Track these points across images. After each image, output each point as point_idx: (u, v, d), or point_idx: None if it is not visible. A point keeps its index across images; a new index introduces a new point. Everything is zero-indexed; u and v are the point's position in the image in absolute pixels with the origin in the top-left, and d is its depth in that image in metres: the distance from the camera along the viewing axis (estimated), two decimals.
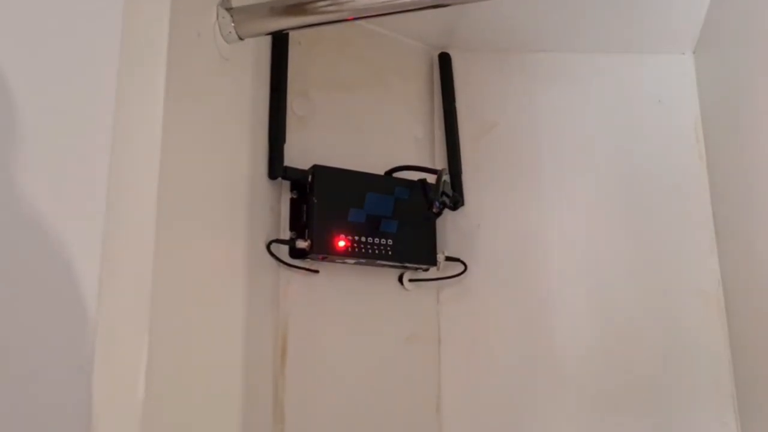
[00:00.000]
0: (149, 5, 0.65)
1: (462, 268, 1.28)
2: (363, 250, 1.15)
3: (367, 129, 1.30)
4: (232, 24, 0.94)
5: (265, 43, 1.16)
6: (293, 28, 1.03)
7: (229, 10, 0.93)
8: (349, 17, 0.93)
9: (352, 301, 1.20)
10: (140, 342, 0.60)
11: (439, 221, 1.28)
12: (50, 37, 0.56)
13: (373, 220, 1.18)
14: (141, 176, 0.61)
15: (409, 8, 0.91)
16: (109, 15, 0.56)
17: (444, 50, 1.42)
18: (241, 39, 0.95)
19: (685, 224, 1.30)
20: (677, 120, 1.35)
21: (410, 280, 1.26)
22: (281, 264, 1.12)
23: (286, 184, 1.16)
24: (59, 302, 0.52)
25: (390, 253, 1.18)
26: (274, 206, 1.14)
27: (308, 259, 1.15)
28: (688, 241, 1.29)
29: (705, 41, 1.32)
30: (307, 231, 1.12)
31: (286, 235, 1.14)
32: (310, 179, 1.14)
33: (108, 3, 0.57)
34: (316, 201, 1.12)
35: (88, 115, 0.54)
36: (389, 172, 1.26)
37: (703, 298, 1.26)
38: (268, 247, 1.08)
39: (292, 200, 1.16)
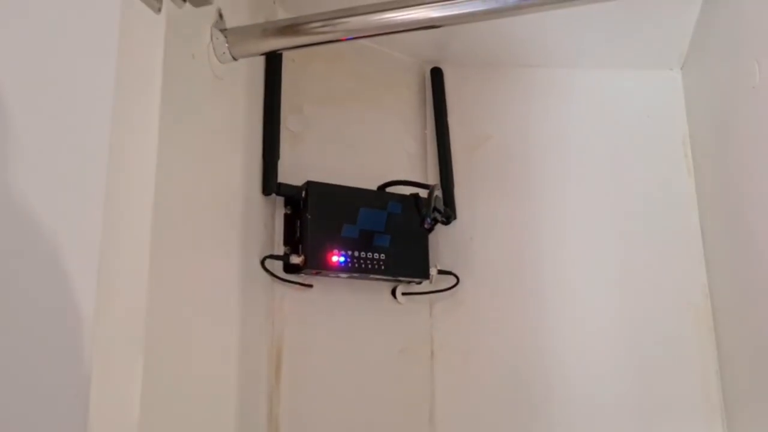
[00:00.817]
0: (144, 27, 0.66)
1: (455, 281, 1.30)
2: (356, 265, 1.17)
3: (359, 144, 1.32)
4: (226, 45, 0.95)
5: (259, 61, 1.18)
6: (286, 49, 1.05)
7: (223, 31, 0.95)
8: (342, 38, 0.95)
9: (346, 315, 1.22)
10: (136, 360, 0.61)
11: (431, 235, 1.29)
12: (45, 55, 0.57)
13: (366, 234, 1.19)
14: (136, 194, 0.62)
15: (401, 29, 0.92)
16: (105, 36, 0.57)
17: (436, 65, 1.44)
18: (235, 59, 0.97)
19: (673, 237, 1.31)
20: (666, 135, 1.37)
21: (403, 294, 1.28)
22: (275, 279, 1.13)
23: (280, 200, 1.18)
24: (55, 321, 0.53)
25: (383, 267, 1.19)
26: (268, 222, 1.15)
27: (302, 274, 1.16)
28: (677, 254, 1.31)
29: (693, 57, 1.34)
30: (301, 246, 1.13)
31: (280, 250, 1.15)
32: (303, 195, 1.15)
33: (104, 24, 0.58)
34: (309, 217, 1.14)
35: (84, 136, 0.56)
36: (382, 187, 1.27)
37: (691, 311, 1.27)
38: (262, 262, 1.09)
39: (286, 216, 1.18)
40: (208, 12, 0.93)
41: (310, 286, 1.17)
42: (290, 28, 0.95)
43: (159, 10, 0.64)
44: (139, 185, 0.60)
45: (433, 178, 1.37)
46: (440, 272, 1.28)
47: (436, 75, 1.43)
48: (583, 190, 1.36)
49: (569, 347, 1.28)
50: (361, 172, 1.27)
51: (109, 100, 0.54)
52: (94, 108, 0.56)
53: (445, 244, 1.33)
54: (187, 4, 0.70)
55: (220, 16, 0.96)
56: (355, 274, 1.18)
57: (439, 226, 1.30)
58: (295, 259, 1.12)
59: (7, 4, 0.56)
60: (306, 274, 1.16)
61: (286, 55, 1.23)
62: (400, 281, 1.26)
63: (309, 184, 1.16)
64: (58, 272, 0.52)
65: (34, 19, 0.56)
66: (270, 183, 1.13)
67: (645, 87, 1.40)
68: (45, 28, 0.57)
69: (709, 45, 1.27)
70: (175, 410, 0.77)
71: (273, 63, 1.19)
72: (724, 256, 1.23)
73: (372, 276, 1.20)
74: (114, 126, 0.56)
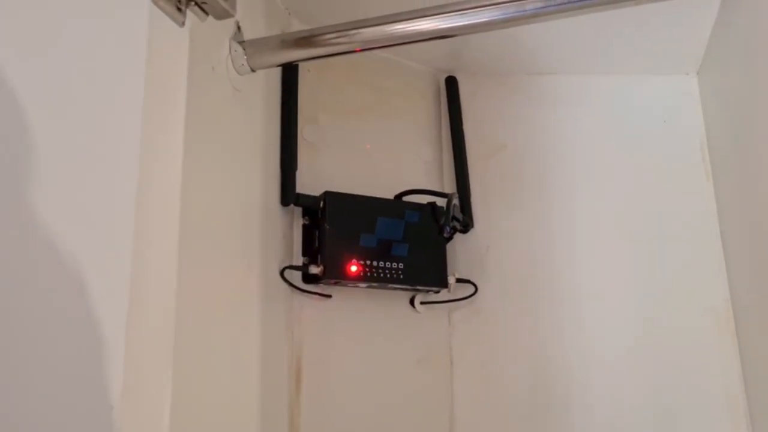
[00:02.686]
0: (169, 42, 0.67)
1: (473, 289, 1.29)
2: (375, 274, 1.17)
3: (376, 153, 1.32)
4: (245, 57, 0.96)
5: (275, 72, 1.18)
6: (303, 60, 1.05)
7: (241, 43, 0.96)
8: (357, 48, 0.95)
9: (365, 324, 1.22)
10: (165, 371, 0.61)
11: (449, 243, 1.29)
12: (77, 73, 0.58)
13: (384, 244, 1.19)
14: (164, 208, 0.62)
15: (415, 39, 0.93)
16: (134, 52, 0.58)
17: (451, 74, 1.44)
18: (253, 71, 0.98)
19: (692, 243, 1.31)
20: (683, 140, 1.36)
21: (422, 303, 1.27)
22: (294, 290, 1.13)
23: (299, 210, 1.18)
24: (87, 335, 0.53)
25: (401, 276, 1.19)
26: (286, 233, 1.15)
27: (321, 284, 1.16)
28: (696, 259, 1.30)
29: (709, 62, 1.34)
30: (319, 256, 1.14)
31: (298, 261, 1.16)
32: (321, 205, 1.16)
33: (132, 40, 0.59)
34: (328, 227, 1.14)
35: (114, 151, 0.56)
36: (399, 196, 1.27)
37: (712, 316, 1.26)
38: (281, 273, 1.10)
39: (304, 226, 1.18)
40: (227, 25, 0.93)
41: (329, 296, 1.17)
42: (307, 39, 0.95)
43: (183, 23, 0.65)
44: (167, 199, 0.61)
45: (449, 185, 1.37)
46: (458, 281, 1.28)
47: (451, 84, 1.43)
48: (599, 197, 1.35)
49: (588, 354, 1.28)
50: (378, 181, 1.28)
51: (138, 114, 0.54)
52: (124, 123, 0.57)
53: (462, 253, 1.33)
54: (210, 17, 0.70)
55: (238, 28, 0.97)
56: (374, 284, 1.18)
57: (456, 235, 1.30)
58: (314, 270, 1.12)
59: (40, 23, 0.57)
60: (325, 284, 1.16)
61: (301, 65, 1.23)
62: (418, 290, 1.26)
63: (327, 194, 1.16)
64: (90, 286, 0.53)
65: (67, 39, 0.57)
66: (288, 193, 1.14)
67: (661, 92, 1.39)
68: (76, 49, 0.58)
69: (726, 49, 1.26)
70: (201, 421, 0.77)
71: (289, 74, 1.20)
72: (745, 260, 1.22)
73: (390, 285, 1.20)
74: (142, 140, 0.56)
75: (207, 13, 0.70)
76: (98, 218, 0.53)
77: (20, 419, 0.53)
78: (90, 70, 0.56)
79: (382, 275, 1.17)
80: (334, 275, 1.13)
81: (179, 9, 0.63)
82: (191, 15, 0.68)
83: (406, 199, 1.27)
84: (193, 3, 0.67)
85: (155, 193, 0.57)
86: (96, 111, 0.55)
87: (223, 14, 0.71)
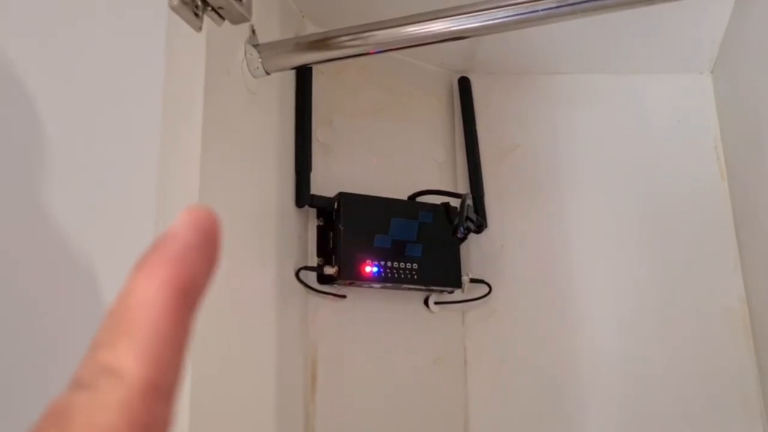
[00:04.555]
0: (186, 46, 0.68)
1: (487, 289, 1.30)
2: (389, 275, 1.17)
3: (389, 154, 1.33)
4: (260, 60, 0.97)
5: (290, 75, 1.19)
6: (317, 63, 1.06)
7: (256, 46, 0.97)
8: (371, 51, 0.96)
9: (380, 324, 1.22)
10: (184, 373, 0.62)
11: (462, 243, 1.29)
12: (95, 79, 0.59)
13: (399, 244, 1.20)
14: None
15: (429, 41, 0.93)
16: (152, 58, 0.59)
17: (464, 74, 1.45)
18: (267, 74, 0.99)
19: (708, 242, 1.30)
20: (697, 139, 1.36)
21: (436, 303, 1.28)
22: (310, 290, 1.14)
23: (313, 211, 1.19)
24: None
25: (416, 276, 1.20)
26: (301, 234, 1.16)
27: (336, 285, 1.17)
28: (712, 259, 1.29)
29: (723, 61, 1.33)
30: (334, 257, 1.14)
31: (313, 261, 1.16)
32: (336, 206, 1.16)
33: (152, 48, 0.60)
34: (342, 228, 1.15)
35: (134, 155, 0.57)
36: (412, 197, 1.28)
37: (728, 315, 1.26)
38: (297, 274, 1.11)
39: (318, 227, 1.19)
40: (242, 29, 0.94)
41: (344, 296, 1.18)
42: (321, 42, 0.96)
43: (200, 28, 0.66)
44: (185, 201, 0.62)
45: (463, 186, 1.37)
46: (472, 281, 1.28)
47: (464, 84, 1.44)
48: (613, 197, 1.35)
49: (603, 354, 1.27)
50: (391, 182, 1.28)
51: (158, 118, 0.55)
52: (144, 127, 0.58)
53: (476, 253, 1.34)
54: (226, 21, 0.71)
55: (253, 32, 0.98)
56: (388, 284, 1.19)
57: (470, 235, 1.30)
58: (329, 270, 1.13)
59: (59, 29, 0.58)
60: (339, 284, 1.17)
61: (315, 67, 1.24)
62: (432, 290, 1.27)
63: (341, 196, 1.17)
64: (106, 288, 0.53)
65: (86, 43, 0.58)
66: (303, 195, 1.15)
67: (675, 91, 1.39)
68: (96, 54, 0.59)
69: (740, 47, 1.26)
70: (220, 421, 0.78)
71: (303, 76, 1.21)
72: (760, 260, 1.22)
73: (405, 285, 1.21)
74: (162, 143, 0.57)
75: (223, 18, 0.71)
76: (117, 221, 0.54)
77: (26, 421, 0.54)
78: (110, 73, 0.57)
79: (396, 276, 1.18)
80: (349, 276, 1.14)
81: (196, 14, 0.64)
82: (208, 20, 0.69)
83: (419, 199, 1.28)
84: (210, 8, 0.67)
85: (174, 196, 0.58)
86: (116, 115, 0.56)
87: (239, 19, 0.72)
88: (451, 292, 1.28)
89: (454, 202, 1.24)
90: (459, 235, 1.22)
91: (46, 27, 0.56)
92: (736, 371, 1.24)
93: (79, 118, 0.56)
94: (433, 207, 1.26)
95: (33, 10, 0.56)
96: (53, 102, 0.55)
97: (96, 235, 0.54)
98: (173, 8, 0.60)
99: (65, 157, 0.55)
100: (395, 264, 1.18)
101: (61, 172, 0.55)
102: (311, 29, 1.25)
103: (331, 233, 1.17)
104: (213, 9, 0.68)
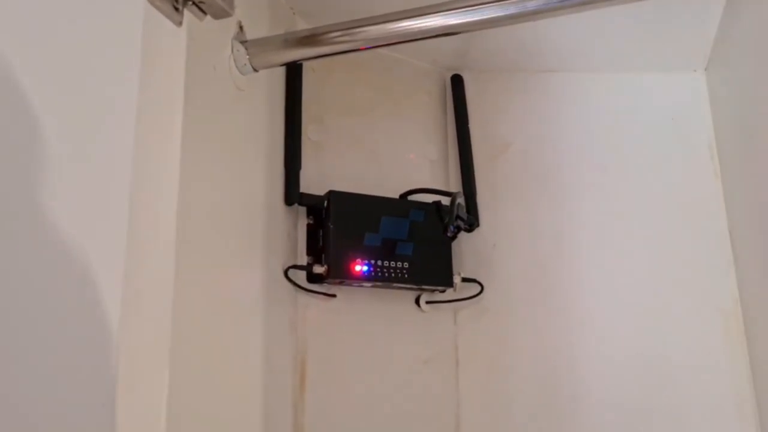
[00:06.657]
0: (166, 41, 0.67)
1: (479, 288, 1.29)
2: (379, 274, 1.16)
3: (381, 152, 1.32)
4: (247, 56, 0.96)
5: (279, 72, 1.18)
6: (307, 59, 1.05)
7: (243, 43, 0.96)
8: (362, 47, 0.95)
9: (370, 324, 1.21)
10: (162, 371, 0.61)
11: (454, 242, 1.28)
12: (69, 70, 0.57)
13: (389, 243, 1.19)
14: (160, 206, 0.62)
15: (420, 37, 0.92)
16: (128, 51, 0.58)
17: (456, 72, 1.44)
18: (255, 71, 0.97)
19: (701, 242, 1.29)
20: (691, 137, 1.35)
21: (427, 302, 1.27)
22: (299, 289, 1.13)
23: (303, 210, 1.18)
24: (80, 335, 0.53)
25: (406, 275, 1.19)
26: (290, 232, 1.15)
27: (325, 284, 1.16)
28: (705, 259, 1.28)
29: (717, 58, 1.32)
30: (323, 256, 1.13)
31: (303, 260, 1.15)
32: (325, 204, 1.15)
33: (126, 39, 0.59)
34: (332, 226, 1.14)
35: (108, 148, 0.56)
36: (404, 195, 1.27)
37: (721, 316, 1.25)
38: (285, 273, 1.10)
39: (308, 226, 1.18)
40: (229, 24, 0.93)
41: (334, 295, 1.17)
42: (310, 38, 0.95)
43: (180, 23, 0.65)
44: (163, 197, 0.61)
45: (455, 184, 1.36)
46: (464, 280, 1.27)
47: (457, 82, 1.43)
48: (606, 196, 1.34)
49: (595, 355, 1.27)
50: (382, 180, 1.27)
51: (132, 112, 0.54)
52: (118, 121, 0.57)
53: (468, 252, 1.33)
54: (208, 16, 0.70)
55: (240, 28, 0.97)
56: (379, 283, 1.18)
57: (461, 234, 1.29)
58: (318, 269, 1.12)
59: (33, 22, 0.57)
60: (329, 283, 1.16)
61: (305, 64, 1.23)
62: (423, 289, 1.26)
63: (331, 194, 1.16)
64: (84, 284, 0.53)
65: (60, 38, 0.57)
66: (292, 193, 1.14)
67: (668, 90, 1.38)
68: (70, 48, 0.58)
69: (733, 45, 1.25)
70: (201, 421, 0.77)
71: (293, 73, 1.20)
72: (754, 259, 1.21)
73: (395, 284, 1.20)
74: (137, 138, 0.56)
75: (205, 13, 0.70)
76: (91, 218, 0.53)
77: (17, 416, 0.53)
78: (84, 68, 0.56)
79: (386, 275, 1.17)
80: (339, 275, 1.13)
81: (176, 8, 0.63)
82: (190, 15, 0.68)
83: (411, 198, 1.27)
84: (190, 2, 0.66)
85: (150, 193, 0.57)
86: (89, 110, 0.55)
87: (221, 13, 0.71)
88: (443, 292, 1.27)
89: (446, 201, 1.23)
90: (449, 234, 1.21)
91: (15, 21, 0.55)
92: (729, 371, 1.23)
93: (51, 114, 0.55)
94: (424, 205, 1.25)
95: (3, 3, 0.55)
96: (24, 97, 0.54)
97: (67, 236, 0.53)
98: (151, 2, 0.59)
99: (34, 152, 0.54)
100: (385, 263, 1.17)
101: (31, 167, 0.54)
102: (302, 26, 1.24)
103: (321, 232, 1.16)
104: (194, 3, 0.67)
